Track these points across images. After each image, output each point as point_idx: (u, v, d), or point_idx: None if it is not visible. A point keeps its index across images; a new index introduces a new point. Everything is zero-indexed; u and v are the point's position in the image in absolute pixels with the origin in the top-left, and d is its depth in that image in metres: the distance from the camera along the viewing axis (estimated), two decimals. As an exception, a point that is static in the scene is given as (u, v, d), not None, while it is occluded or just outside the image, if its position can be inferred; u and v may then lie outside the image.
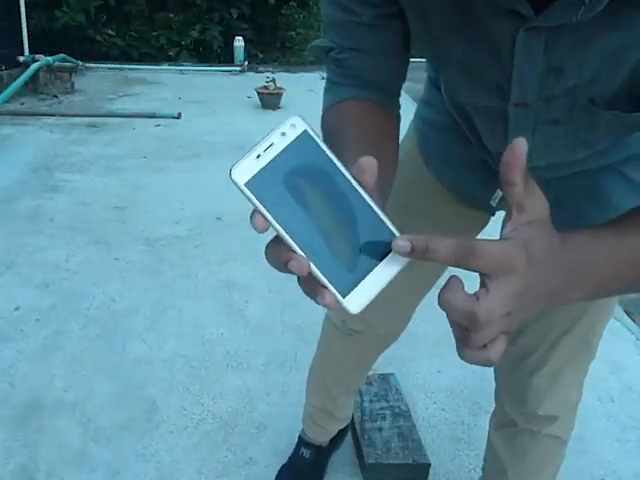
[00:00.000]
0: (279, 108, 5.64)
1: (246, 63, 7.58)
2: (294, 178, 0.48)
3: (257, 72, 7.38)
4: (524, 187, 0.51)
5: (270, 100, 5.62)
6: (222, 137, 4.67)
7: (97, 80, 6.63)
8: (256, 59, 8.39)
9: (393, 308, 1.18)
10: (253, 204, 0.47)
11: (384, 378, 1.87)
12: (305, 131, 0.50)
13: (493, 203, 0.98)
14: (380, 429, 1.67)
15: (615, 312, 2.47)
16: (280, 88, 5.63)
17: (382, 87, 0.80)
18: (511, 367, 1.16)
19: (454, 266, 0.48)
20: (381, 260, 0.49)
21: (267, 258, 0.49)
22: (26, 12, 6.13)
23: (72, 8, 7.64)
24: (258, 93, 5.66)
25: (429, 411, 1.86)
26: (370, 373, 1.90)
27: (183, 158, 4.17)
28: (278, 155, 0.48)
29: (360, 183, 0.49)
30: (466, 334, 0.50)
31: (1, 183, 3.56)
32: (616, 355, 2.16)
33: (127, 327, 2.22)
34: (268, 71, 7.29)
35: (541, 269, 0.53)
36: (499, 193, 0.95)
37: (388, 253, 0.49)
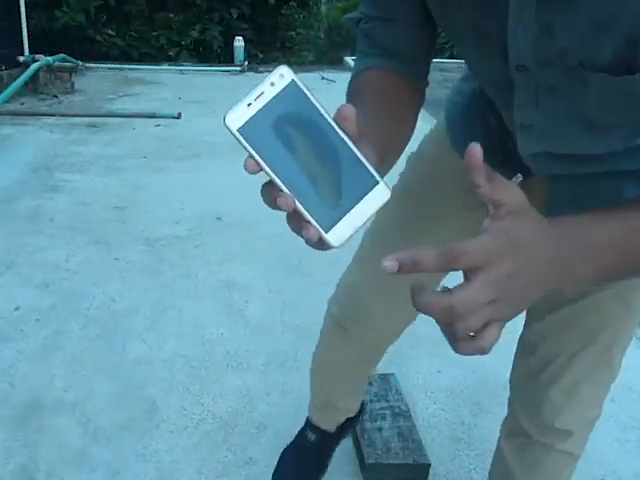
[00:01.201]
0: (279, 108, 5.65)
1: (246, 63, 7.57)
2: (282, 124, 0.52)
3: (257, 72, 7.38)
4: (491, 185, 0.53)
5: (270, 100, 5.63)
6: (222, 137, 4.67)
7: (97, 80, 6.63)
8: (256, 59, 8.39)
9: (396, 308, 1.15)
10: (245, 148, 0.52)
11: (384, 378, 1.87)
12: (293, 80, 0.53)
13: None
14: (380, 429, 1.67)
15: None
16: (280, 88, 5.64)
17: (406, 58, 0.83)
18: (528, 378, 1.14)
19: (445, 272, 0.50)
20: (361, 199, 0.53)
21: (262, 198, 0.55)
22: (26, 12, 6.13)
23: (72, 8, 7.64)
24: (258, 93, 5.67)
25: (429, 411, 1.86)
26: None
27: (183, 158, 4.17)
28: (267, 103, 0.52)
29: (343, 130, 0.53)
30: (452, 328, 0.53)
31: (1, 183, 3.56)
32: (616, 355, 2.16)
33: (127, 327, 2.22)
34: (268, 71, 7.22)
35: (528, 252, 0.54)
36: (519, 177, 0.95)
37: (367, 193, 0.53)
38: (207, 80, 6.89)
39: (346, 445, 1.71)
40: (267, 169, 0.52)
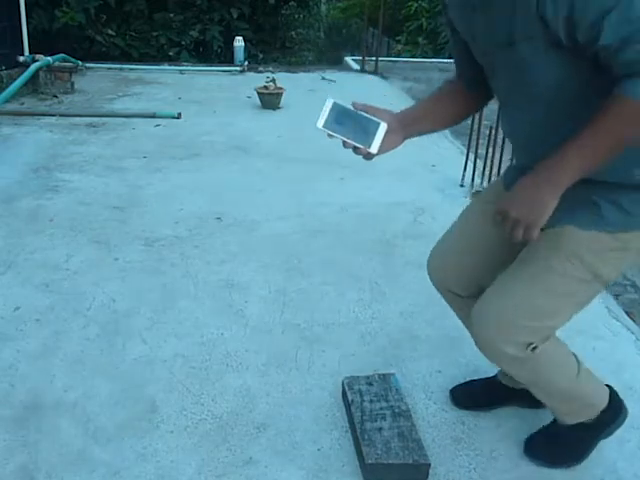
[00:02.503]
0: (279, 108, 5.64)
1: (246, 63, 7.57)
2: (338, 118, 1.32)
3: (257, 72, 7.37)
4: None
5: (270, 100, 5.62)
6: (222, 137, 4.67)
7: (97, 80, 6.63)
8: (256, 59, 8.39)
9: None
10: (327, 133, 1.32)
11: (384, 378, 1.87)
12: (334, 102, 1.33)
13: None
14: (380, 429, 1.67)
15: (615, 312, 2.47)
16: (280, 88, 5.63)
17: (466, 79, 1.54)
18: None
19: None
20: (376, 132, 1.33)
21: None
22: (26, 12, 6.12)
23: (72, 8, 7.64)
24: (258, 93, 5.66)
25: (429, 411, 1.86)
26: (370, 373, 1.91)
27: (183, 158, 4.17)
28: (328, 113, 1.32)
29: (361, 110, 1.34)
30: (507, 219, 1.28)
31: (1, 183, 3.56)
32: (616, 355, 2.16)
33: (127, 327, 2.22)
34: (268, 71, 7.28)
35: (523, 181, 1.25)
36: None
37: (378, 128, 1.33)
38: (207, 80, 6.89)
39: (346, 445, 1.71)
40: (341, 137, 1.33)
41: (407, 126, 1.44)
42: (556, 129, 1.27)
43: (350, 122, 1.33)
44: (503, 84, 1.38)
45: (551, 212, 1.22)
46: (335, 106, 1.33)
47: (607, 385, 1.70)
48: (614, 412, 1.68)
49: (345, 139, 1.33)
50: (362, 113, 1.34)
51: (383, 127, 1.34)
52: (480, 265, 1.59)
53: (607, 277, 1.40)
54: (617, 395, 1.71)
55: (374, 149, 1.34)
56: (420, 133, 1.50)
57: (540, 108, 1.30)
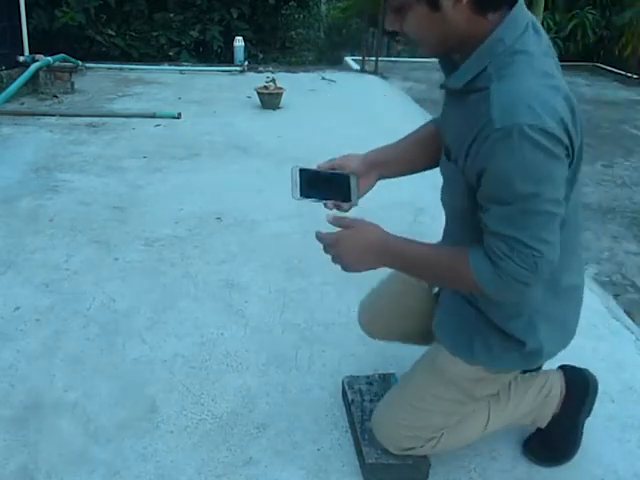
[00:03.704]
0: (279, 108, 5.64)
1: (246, 63, 7.57)
2: (310, 183, 1.36)
3: (257, 72, 7.37)
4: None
5: (270, 100, 5.62)
6: (222, 137, 4.67)
7: (97, 80, 6.62)
8: (256, 59, 8.39)
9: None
10: (306, 202, 1.36)
11: (384, 378, 1.87)
12: (300, 168, 1.37)
13: None
14: (380, 429, 1.66)
15: (615, 312, 2.47)
16: (280, 88, 5.62)
17: None
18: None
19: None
20: (350, 186, 1.41)
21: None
22: (26, 12, 6.11)
23: (72, 8, 7.63)
24: (258, 93, 5.65)
25: (429, 411, 1.86)
26: (370, 373, 1.91)
27: (183, 158, 4.17)
28: (300, 182, 1.36)
29: (333, 168, 1.44)
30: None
31: (1, 183, 3.56)
32: (616, 355, 2.16)
33: (127, 327, 2.22)
34: (268, 71, 7.28)
35: (356, 233, 1.35)
36: None
37: (349, 182, 1.41)
38: (207, 80, 6.88)
39: (346, 445, 1.71)
40: (317, 201, 1.37)
41: (378, 166, 1.49)
42: (453, 234, 1.46)
43: (322, 183, 1.36)
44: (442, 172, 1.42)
45: (362, 270, 1.36)
46: (303, 173, 1.34)
47: (562, 366, 1.71)
48: (579, 391, 1.68)
49: (325, 201, 1.36)
50: (329, 171, 1.39)
51: (354, 178, 1.39)
52: (405, 321, 1.69)
53: (482, 396, 1.53)
54: (576, 372, 1.71)
55: (355, 201, 1.39)
56: (396, 174, 1.54)
57: (451, 212, 1.43)
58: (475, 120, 1.13)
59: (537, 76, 1.11)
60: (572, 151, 1.15)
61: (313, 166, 1.39)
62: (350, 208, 1.40)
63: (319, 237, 1.36)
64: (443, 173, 1.37)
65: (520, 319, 1.37)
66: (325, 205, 1.39)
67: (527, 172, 1.09)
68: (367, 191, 1.46)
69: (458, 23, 1.13)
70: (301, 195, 1.34)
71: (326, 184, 1.37)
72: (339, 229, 1.35)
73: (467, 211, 1.27)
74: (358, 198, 1.41)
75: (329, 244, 1.35)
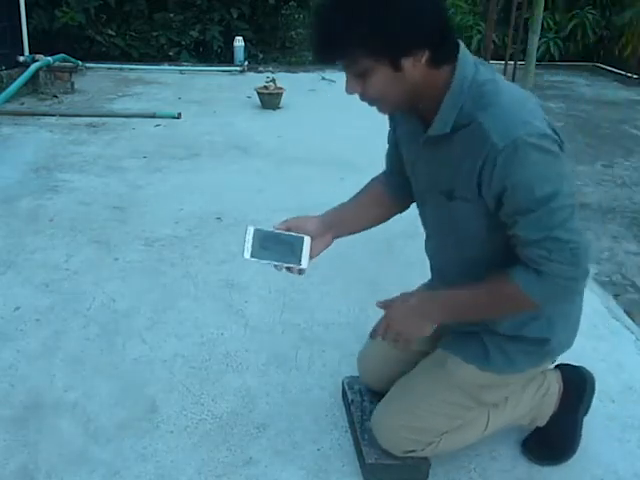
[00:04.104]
0: (279, 108, 5.64)
1: (246, 63, 7.56)
2: (263, 244, 1.37)
3: (257, 72, 7.37)
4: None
5: (270, 100, 5.61)
6: (222, 137, 4.67)
7: (97, 80, 6.62)
8: (256, 59, 8.37)
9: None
10: (257, 262, 1.37)
11: (384, 378, 1.87)
12: (255, 229, 1.38)
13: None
14: (380, 429, 1.66)
15: (615, 312, 2.47)
16: (280, 88, 5.62)
17: (394, 183, 1.62)
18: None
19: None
20: (302, 247, 1.40)
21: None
22: (26, 12, 6.11)
23: (72, 8, 7.62)
24: (258, 93, 5.65)
25: (429, 411, 1.86)
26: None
27: (183, 158, 4.17)
28: (252, 242, 1.37)
29: (288, 229, 1.43)
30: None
31: (1, 183, 3.56)
32: (616, 355, 2.16)
33: (127, 327, 2.22)
34: (268, 71, 7.27)
35: (407, 300, 1.47)
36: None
37: (302, 243, 1.41)
38: (207, 80, 6.88)
39: (346, 445, 1.71)
40: (267, 262, 1.39)
41: (334, 227, 1.54)
42: (467, 270, 1.42)
43: (274, 245, 1.37)
44: (431, 220, 1.49)
45: (426, 333, 1.43)
46: (257, 233, 1.36)
47: (558, 365, 1.71)
48: (576, 389, 1.69)
49: (275, 263, 1.38)
50: (283, 232, 1.40)
51: (307, 240, 1.40)
52: (401, 372, 1.66)
53: (490, 402, 1.55)
54: (573, 370, 1.72)
55: (304, 264, 1.40)
56: (350, 233, 1.60)
57: (459, 251, 1.42)
58: (476, 150, 1.21)
59: (509, 93, 1.24)
60: (562, 143, 1.24)
61: (269, 227, 1.40)
62: (300, 273, 1.42)
63: (374, 335, 1.48)
64: (440, 218, 1.42)
65: (537, 321, 1.42)
66: (275, 267, 1.40)
67: (542, 175, 1.18)
68: (322, 251, 1.50)
69: (417, 79, 1.21)
70: (251, 256, 1.35)
71: (279, 245, 1.38)
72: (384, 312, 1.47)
73: (485, 241, 1.34)
74: (309, 261, 1.41)
75: (384, 329, 1.45)
